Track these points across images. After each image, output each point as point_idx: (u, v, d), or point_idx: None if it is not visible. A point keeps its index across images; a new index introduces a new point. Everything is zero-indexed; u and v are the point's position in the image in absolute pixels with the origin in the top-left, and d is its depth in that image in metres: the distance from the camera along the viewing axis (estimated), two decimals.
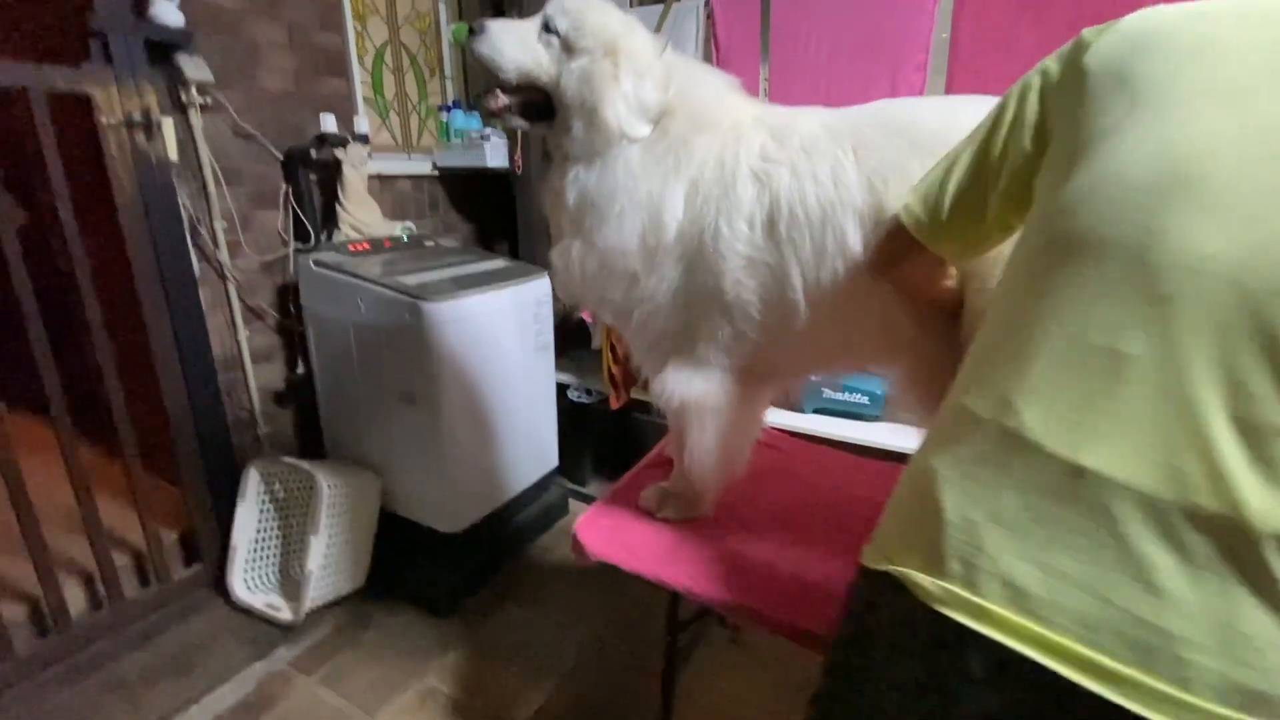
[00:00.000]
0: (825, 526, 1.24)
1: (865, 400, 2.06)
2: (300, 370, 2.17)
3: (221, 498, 1.94)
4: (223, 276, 1.96)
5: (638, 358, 1.20)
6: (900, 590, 0.59)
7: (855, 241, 0.94)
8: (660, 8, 2.08)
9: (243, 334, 2.03)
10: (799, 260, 0.98)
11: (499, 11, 2.70)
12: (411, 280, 1.90)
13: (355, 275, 1.89)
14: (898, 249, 0.82)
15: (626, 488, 1.39)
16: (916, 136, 0.90)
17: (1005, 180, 0.67)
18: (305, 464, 1.92)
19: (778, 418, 2.06)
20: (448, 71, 2.76)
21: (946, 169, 0.73)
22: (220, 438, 1.96)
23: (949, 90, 1.73)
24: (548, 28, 1.05)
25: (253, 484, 1.94)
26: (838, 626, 0.70)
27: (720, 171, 1.00)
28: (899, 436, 1.94)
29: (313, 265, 1.95)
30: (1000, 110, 0.67)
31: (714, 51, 1.97)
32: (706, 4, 1.93)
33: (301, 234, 2.12)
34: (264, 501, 1.97)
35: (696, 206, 1.02)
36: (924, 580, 0.58)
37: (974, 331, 0.85)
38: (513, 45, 1.05)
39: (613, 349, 2.26)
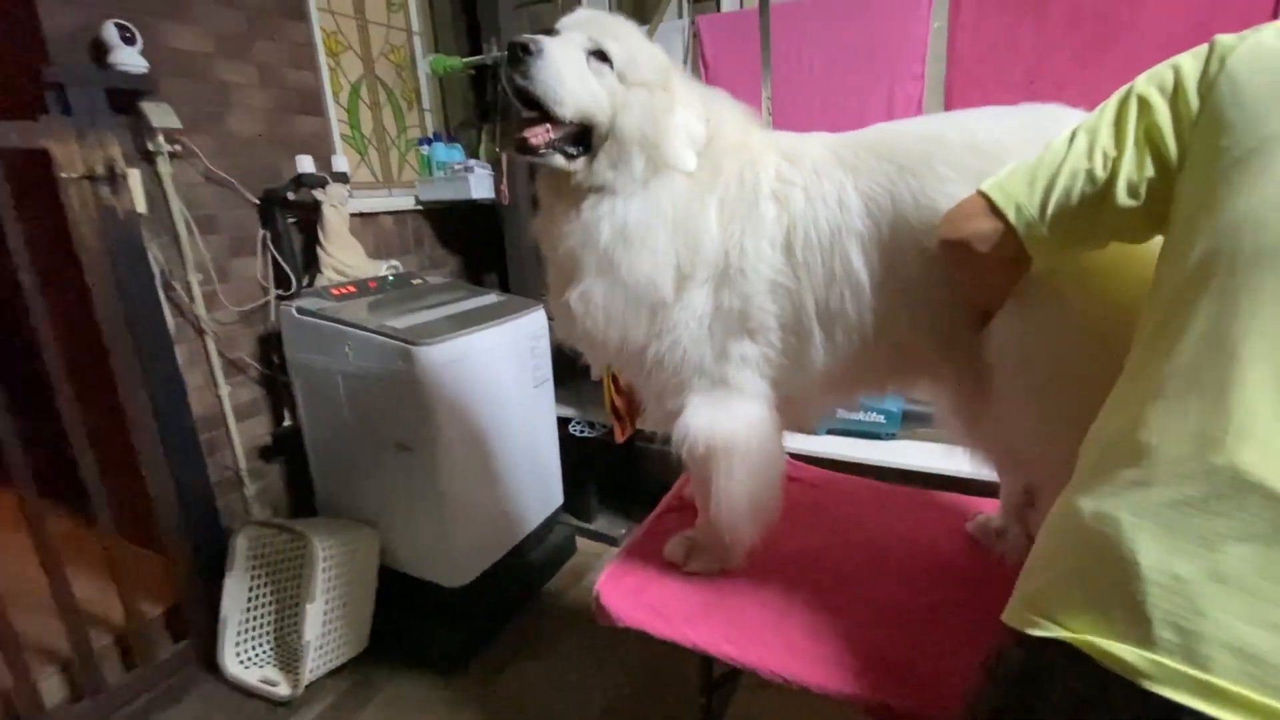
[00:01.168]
0: (869, 571, 1.15)
1: (881, 419, 1.99)
2: (287, 423, 2.06)
3: (208, 566, 1.81)
4: (200, 330, 1.86)
5: (653, 402, 1.11)
6: (1082, 662, 0.51)
7: (860, 267, 0.94)
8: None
9: (224, 389, 1.92)
10: (811, 284, 0.97)
11: (473, 40, 2.64)
12: (401, 323, 1.81)
13: (341, 321, 1.79)
14: (984, 236, 0.73)
15: (647, 536, 1.30)
16: (901, 160, 0.91)
17: (1132, 187, 0.63)
18: (297, 525, 1.80)
19: (791, 442, 1.97)
20: (426, 104, 2.69)
21: (1053, 171, 0.68)
22: (204, 502, 1.84)
23: (949, 99, 1.68)
24: (600, 55, 0.94)
25: (241, 550, 1.82)
26: (978, 703, 0.61)
27: (742, 190, 0.99)
28: (919, 455, 1.86)
29: (295, 313, 1.85)
30: (1120, 110, 0.65)
31: (702, 71, 1.91)
32: (693, 24, 1.87)
33: (282, 280, 2.03)
34: (254, 568, 1.85)
35: (724, 224, 0.98)
36: (1123, 651, 0.48)
37: (999, 352, 0.85)
38: (574, 74, 0.92)
39: (614, 379, 2.17)
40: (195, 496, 1.80)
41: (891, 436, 2.02)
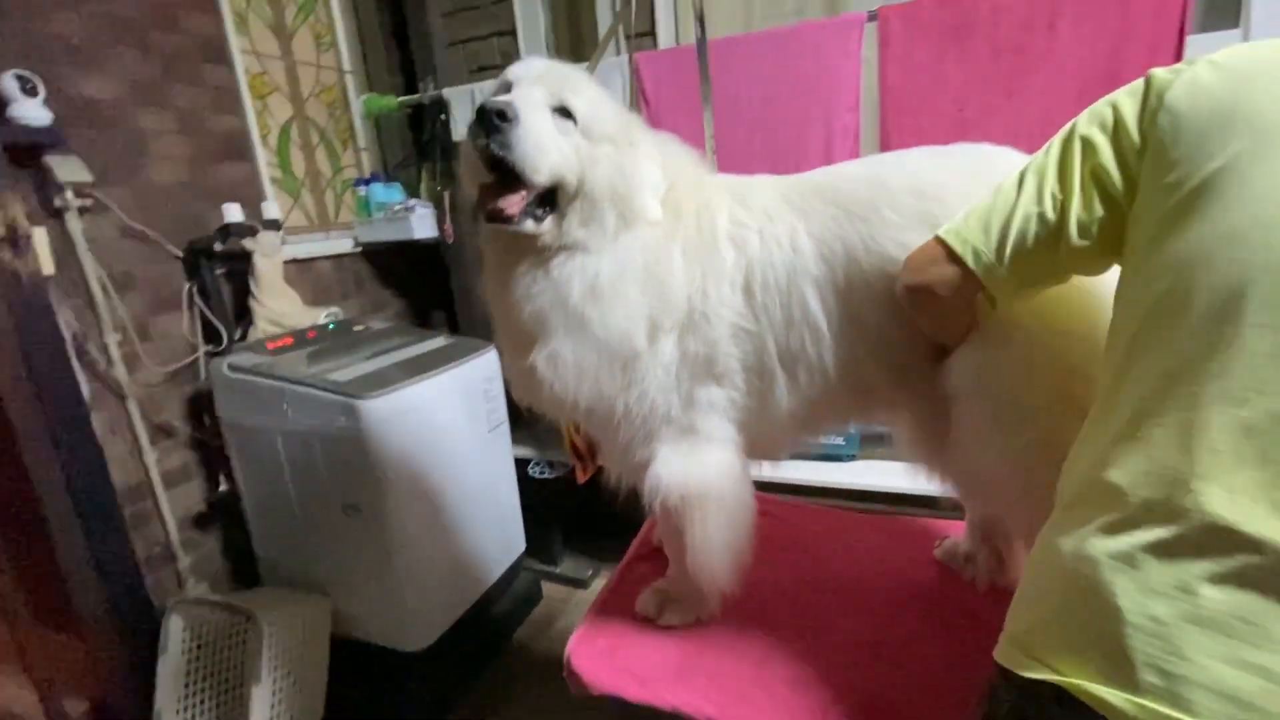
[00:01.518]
0: (843, 607, 1.13)
1: (841, 441, 2.00)
2: (224, 487, 1.92)
3: (138, 653, 1.66)
4: (121, 396, 1.72)
5: (619, 455, 1.07)
6: (1072, 704, 0.51)
7: (816, 308, 0.94)
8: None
9: (150, 456, 1.78)
10: (771, 327, 0.96)
11: (408, 77, 2.59)
12: (343, 375, 1.72)
13: (277, 377, 1.69)
14: (946, 282, 0.75)
15: (617, 589, 1.25)
16: (849, 205, 0.92)
17: (1084, 226, 0.64)
18: (238, 599, 1.67)
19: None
20: (361, 143, 2.61)
21: (1006, 215, 0.68)
22: (130, 580, 1.69)
23: (883, 128, 1.73)
24: (564, 112, 0.90)
25: (176, 632, 1.67)
26: None
27: (700, 234, 0.98)
28: (879, 476, 1.87)
29: (227, 370, 1.74)
30: (1063, 152, 0.65)
31: (643, 108, 1.92)
32: (631, 61, 1.88)
33: (212, 335, 1.90)
34: (191, 650, 1.70)
35: (687, 269, 0.97)
36: (1109, 695, 0.49)
37: (959, 384, 0.86)
38: (550, 140, 0.87)
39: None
40: (119, 575, 1.65)
41: (851, 458, 2.03)
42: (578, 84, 0.94)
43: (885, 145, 1.73)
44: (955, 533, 1.29)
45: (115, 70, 1.71)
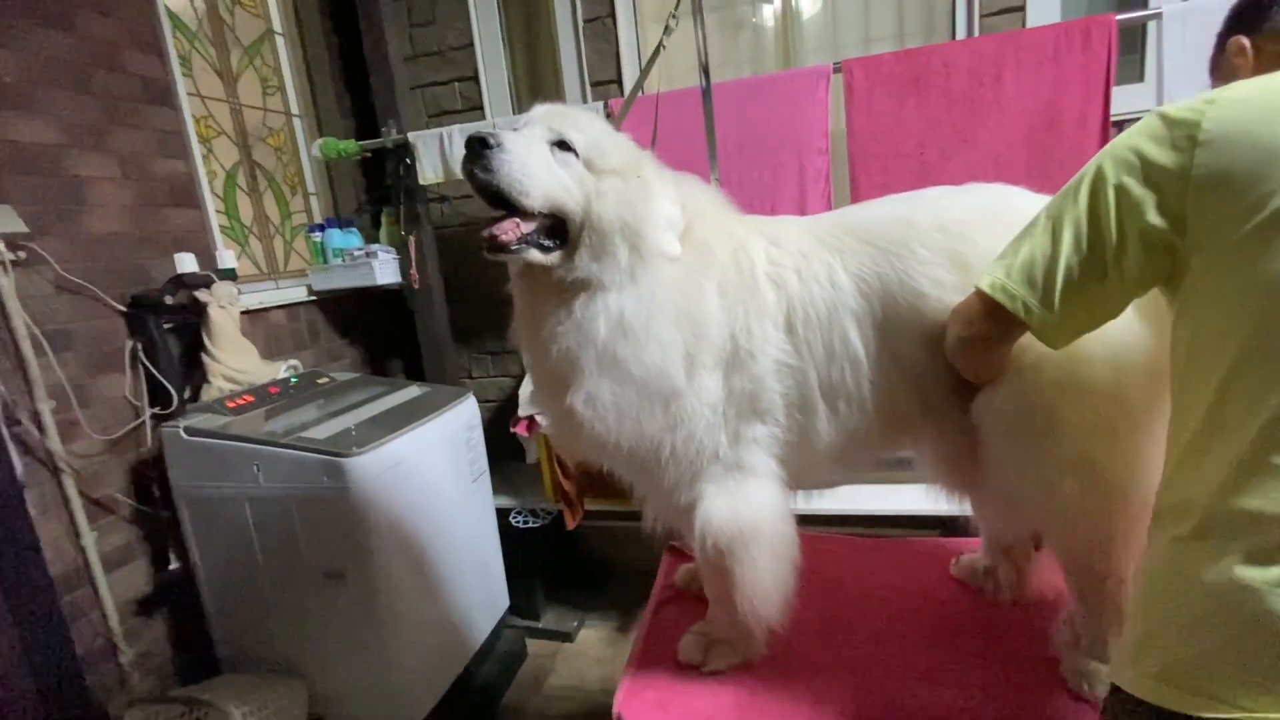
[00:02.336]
0: (882, 635, 1.14)
1: None
2: (174, 565, 1.72)
3: None
4: (55, 469, 1.52)
5: (663, 498, 1.05)
6: None
7: (856, 341, 0.97)
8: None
9: (88, 538, 1.57)
10: (814, 361, 0.99)
11: (360, 121, 2.53)
12: (321, 433, 1.61)
13: (246, 439, 1.56)
14: (998, 332, 0.78)
15: (650, 638, 1.21)
16: (881, 243, 0.96)
17: (1134, 268, 0.66)
18: (202, 692, 1.49)
19: None
20: (311, 188, 2.50)
21: (1048, 266, 0.70)
22: (70, 682, 1.47)
23: (852, 170, 1.84)
24: (562, 145, 0.92)
25: None
26: None
27: (740, 274, 1.00)
28: (871, 500, 1.92)
29: (184, 435, 1.58)
30: (1094, 201, 0.67)
31: None
32: (605, 107, 1.92)
33: (158, 397, 1.73)
34: None
35: (727, 308, 0.98)
36: None
37: (993, 412, 0.90)
38: (540, 165, 0.89)
39: (561, 463, 2.07)
40: (59, 677, 1.43)
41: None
42: (578, 120, 0.96)
43: (854, 185, 1.84)
44: (967, 549, 1.33)
45: (52, 113, 1.57)
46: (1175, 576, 0.61)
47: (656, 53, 1.27)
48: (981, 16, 1.95)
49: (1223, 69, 0.87)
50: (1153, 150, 0.63)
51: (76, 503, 1.55)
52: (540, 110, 0.98)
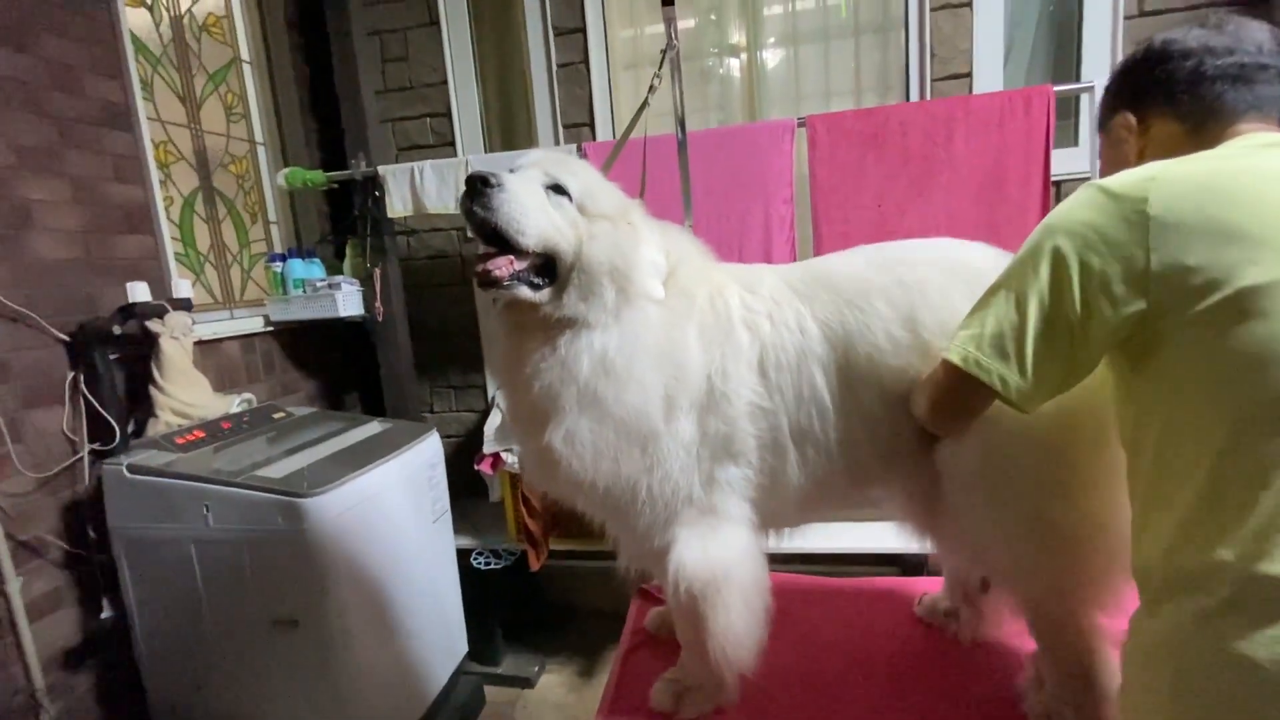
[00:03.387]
0: (861, 676, 1.15)
1: None
2: (106, 613, 1.61)
3: None
4: None
5: (636, 541, 1.05)
6: None
7: (822, 387, 1.00)
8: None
9: (12, 584, 1.46)
10: (785, 405, 1.01)
11: (326, 152, 2.50)
12: (277, 471, 1.55)
13: (195, 477, 1.48)
14: (971, 404, 0.81)
15: (621, 686, 1.18)
16: (846, 294, 1.01)
17: (1102, 333, 0.67)
18: None
19: None
20: (272, 216, 2.45)
21: (1018, 338, 0.71)
22: None
23: (815, 217, 1.92)
24: (558, 188, 0.96)
25: None
26: None
27: (717, 318, 1.03)
28: (831, 538, 1.95)
29: (126, 472, 1.50)
30: (1056, 275, 0.68)
31: None
32: (580, 150, 1.95)
33: (100, 432, 1.64)
34: None
35: (705, 350, 1.00)
36: None
37: (954, 465, 0.93)
38: (537, 206, 0.92)
39: (526, 501, 2.03)
40: None
41: None
42: (573, 166, 1.00)
43: (816, 234, 1.92)
44: (930, 589, 1.36)
45: (2, 134, 1.51)
46: (1215, 653, 0.59)
47: (643, 108, 1.32)
48: (933, 80, 2.08)
49: (1109, 141, 0.85)
50: (1105, 224, 0.65)
51: (1, 545, 1.44)
52: (536, 155, 1.02)
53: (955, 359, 0.77)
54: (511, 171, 0.97)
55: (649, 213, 1.08)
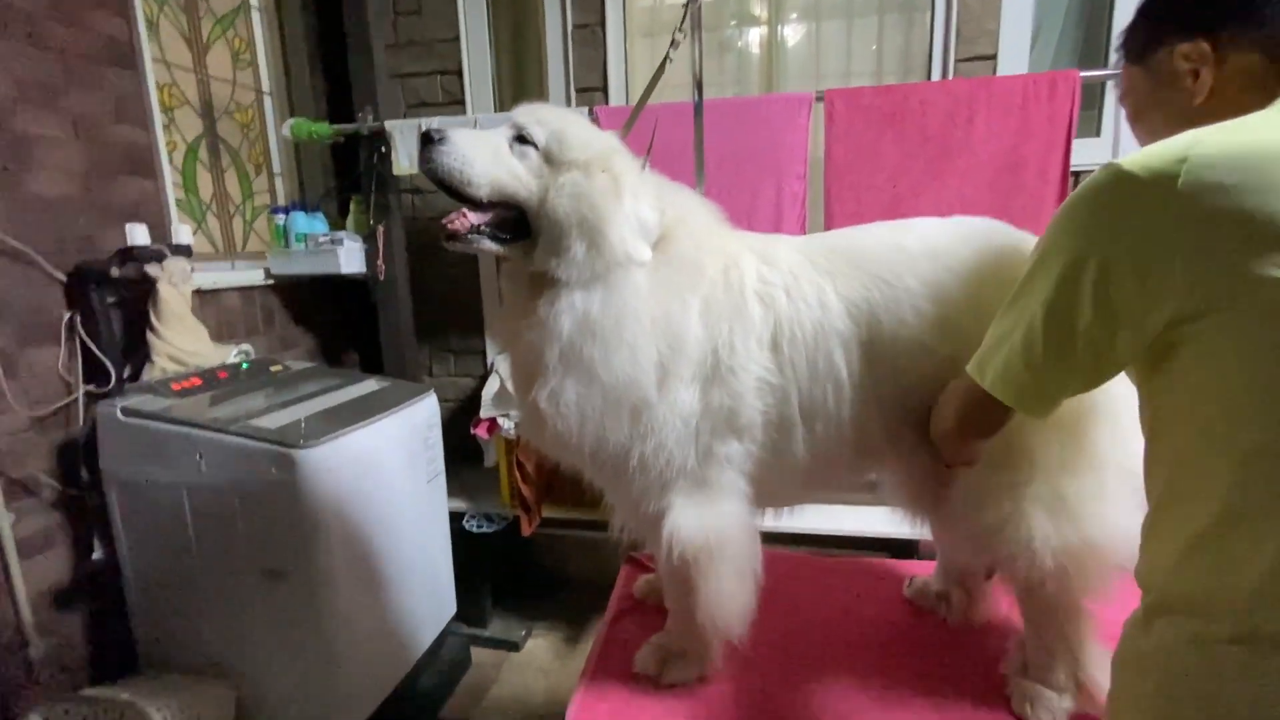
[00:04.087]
0: (835, 653, 1.16)
1: None
2: (97, 555, 1.61)
3: None
4: None
5: (629, 507, 1.04)
6: None
7: (840, 363, 0.98)
8: None
9: (4, 519, 1.45)
10: (797, 380, 0.99)
11: (334, 105, 2.46)
12: (272, 421, 1.54)
13: (189, 423, 1.48)
14: (994, 420, 0.77)
15: (606, 650, 1.19)
16: (873, 269, 0.97)
17: (1126, 344, 0.60)
18: (119, 692, 1.39)
19: None
20: (277, 168, 2.41)
21: (1044, 360, 0.64)
22: None
23: (827, 197, 1.88)
24: (522, 139, 0.94)
25: None
26: None
27: (729, 291, 0.99)
28: (826, 519, 1.95)
29: (120, 415, 1.49)
30: (1072, 279, 0.60)
31: None
32: (591, 114, 1.91)
33: (96, 374, 1.63)
34: None
35: (711, 323, 0.98)
36: None
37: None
38: (484, 156, 0.91)
39: (521, 467, 2.03)
40: None
41: None
42: (543, 115, 0.97)
43: (828, 212, 1.89)
44: (920, 572, 1.36)
45: (2, 65, 1.47)
46: (1207, 679, 0.56)
47: (662, 67, 1.28)
48: (956, 61, 2.03)
49: (1156, 80, 0.69)
50: (1128, 218, 0.56)
51: None
52: (515, 109, 1.00)
53: (986, 383, 0.70)
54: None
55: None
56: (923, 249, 0.96)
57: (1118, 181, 0.57)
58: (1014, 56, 2.01)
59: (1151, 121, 0.74)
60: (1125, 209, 0.57)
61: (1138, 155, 0.57)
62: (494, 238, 0.95)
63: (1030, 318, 0.64)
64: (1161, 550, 0.63)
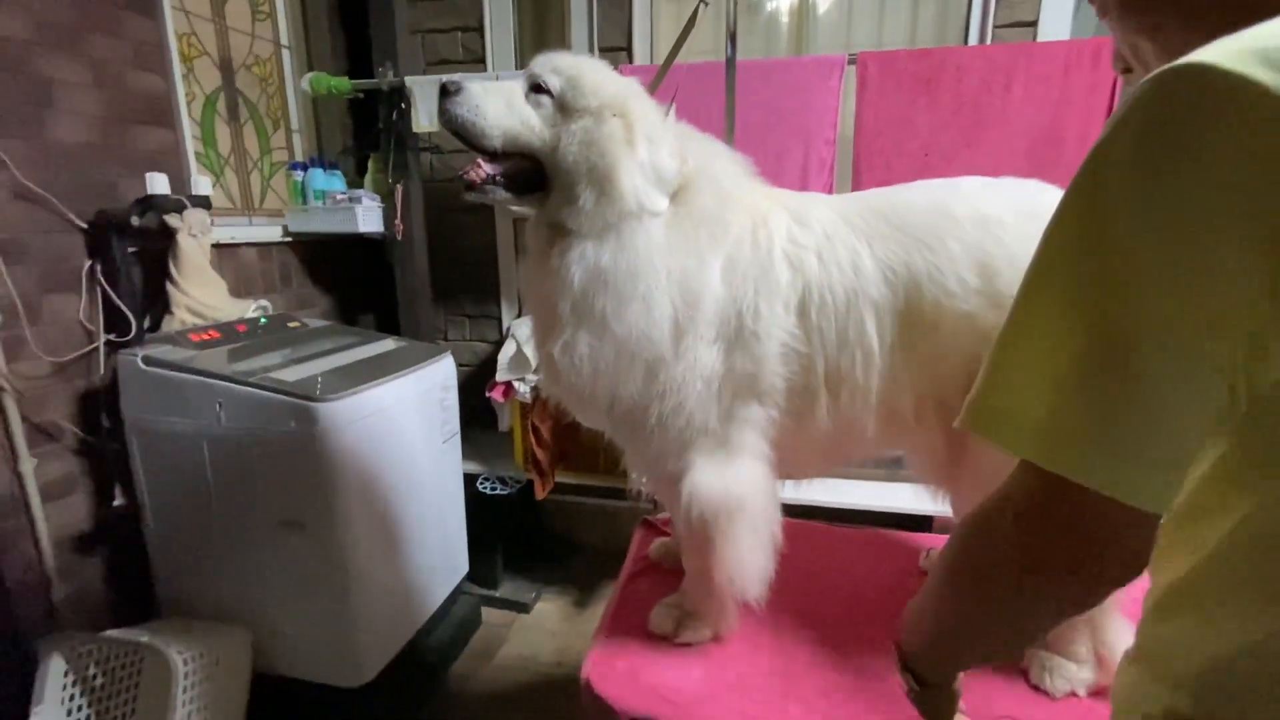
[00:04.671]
0: (862, 618, 1.16)
1: None
2: (119, 501, 1.63)
3: (3, 706, 1.35)
4: None
5: (648, 465, 1.03)
6: None
7: (871, 331, 0.94)
8: None
9: (27, 464, 1.47)
10: (824, 348, 0.96)
11: (353, 61, 2.42)
12: (291, 375, 1.54)
13: (208, 374, 1.48)
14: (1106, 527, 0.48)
15: (621, 609, 1.19)
16: (915, 232, 0.93)
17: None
18: (139, 634, 1.42)
19: None
20: (295, 124, 2.39)
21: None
22: None
23: (856, 164, 1.84)
24: (537, 88, 0.92)
25: (54, 676, 1.38)
26: None
27: (756, 252, 0.96)
28: (835, 493, 1.94)
29: (141, 364, 1.49)
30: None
31: None
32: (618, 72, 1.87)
33: (114, 323, 1.63)
34: (74, 698, 1.41)
35: (734, 284, 0.95)
36: None
37: None
38: (497, 106, 0.91)
39: (535, 430, 2.03)
40: None
41: None
42: (559, 62, 0.95)
43: (856, 180, 1.84)
44: (935, 545, 1.35)
45: (21, 4, 1.45)
46: None
47: (692, 21, 1.24)
48: (995, 27, 1.96)
49: None
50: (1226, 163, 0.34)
51: (17, 425, 1.45)
52: (535, 58, 0.97)
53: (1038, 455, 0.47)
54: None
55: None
56: (970, 214, 0.91)
57: (1191, 88, 0.35)
58: (1055, 22, 1.93)
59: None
60: (1220, 144, 0.35)
61: (1207, 51, 0.36)
62: (508, 188, 0.94)
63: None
64: (1159, 568, 0.48)
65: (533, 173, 0.94)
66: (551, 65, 0.93)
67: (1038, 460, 0.42)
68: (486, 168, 0.93)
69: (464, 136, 0.92)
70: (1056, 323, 0.41)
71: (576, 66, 0.94)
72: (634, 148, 0.90)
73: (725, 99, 1.62)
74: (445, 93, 0.91)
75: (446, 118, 0.91)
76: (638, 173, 0.90)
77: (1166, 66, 0.37)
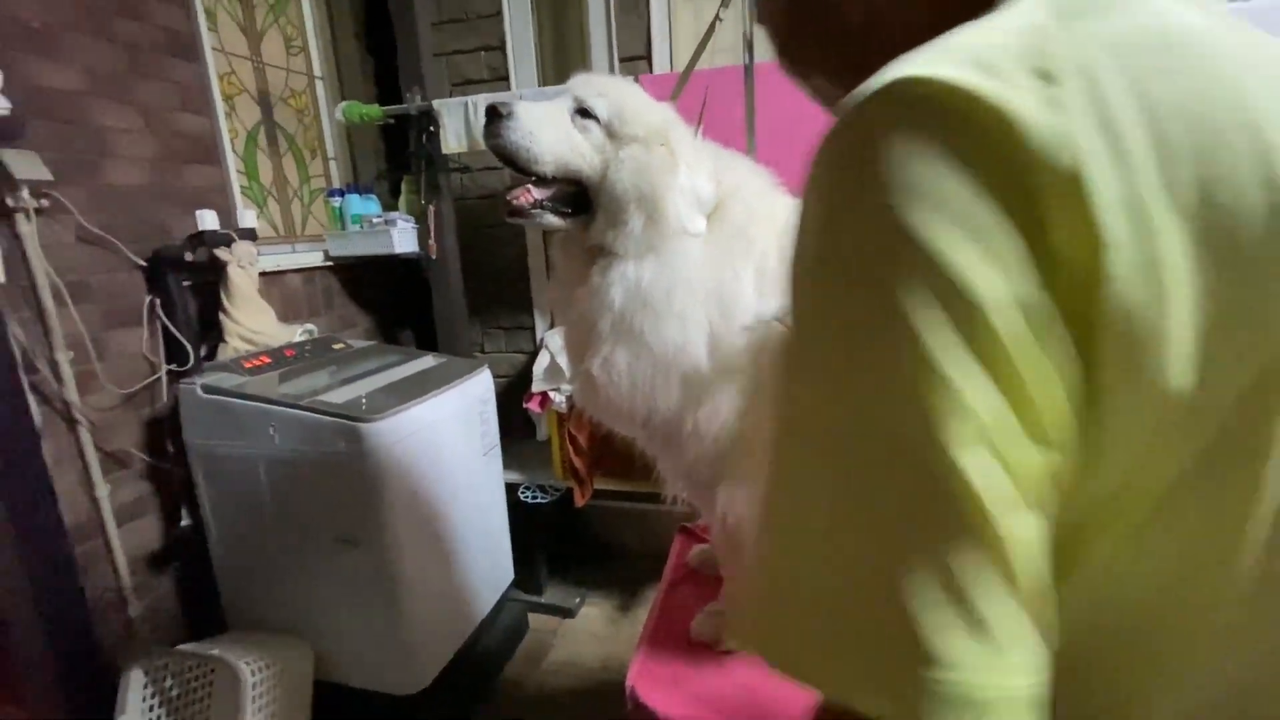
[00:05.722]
0: None
1: None
2: (185, 522, 1.73)
3: (89, 715, 1.45)
4: (71, 421, 1.52)
5: (682, 475, 1.05)
6: None
7: None
8: None
9: (101, 490, 1.57)
10: None
11: (382, 87, 2.50)
12: (338, 396, 1.60)
13: (261, 399, 1.55)
14: None
15: (662, 617, 1.20)
16: None
17: None
18: (210, 647, 1.50)
19: None
20: (330, 152, 2.48)
21: None
22: (80, 632, 1.48)
23: None
24: (584, 113, 0.93)
25: (135, 689, 1.47)
26: None
27: (781, 262, 0.94)
28: None
29: (200, 392, 1.58)
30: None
31: None
32: (636, 81, 1.88)
33: (176, 354, 1.73)
34: (153, 709, 1.50)
35: (765, 294, 0.96)
36: None
37: None
38: (551, 132, 0.92)
39: (573, 439, 2.06)
40: (68, 625, 1.44)
41: None
42: (603, 86, 0.96)
43: None
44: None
45: (75, 59, 1.55)
46: None
47: (712, 28, 1.25)
48: None
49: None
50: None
51: (92, 454, 1.55)
52: (573, 80, 0.99)
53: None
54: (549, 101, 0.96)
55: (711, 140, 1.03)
56: None
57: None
58: None
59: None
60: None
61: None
62: (556, 212, 0.95)
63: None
64: None
65: (575, 196, 0.96)
66: (597, 89, 0.95)
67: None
68: (536, 193, 0.93)
69: (513, 161, 0.92)
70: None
71: (620, 92, 0.96)
72: (677, 175, 0.92)
73: (745, 108, 1.61)
74: (496, 115, 0.90)
75: (498, 141, 0.90)
76: (681, 198, 0.92)
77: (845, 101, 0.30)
